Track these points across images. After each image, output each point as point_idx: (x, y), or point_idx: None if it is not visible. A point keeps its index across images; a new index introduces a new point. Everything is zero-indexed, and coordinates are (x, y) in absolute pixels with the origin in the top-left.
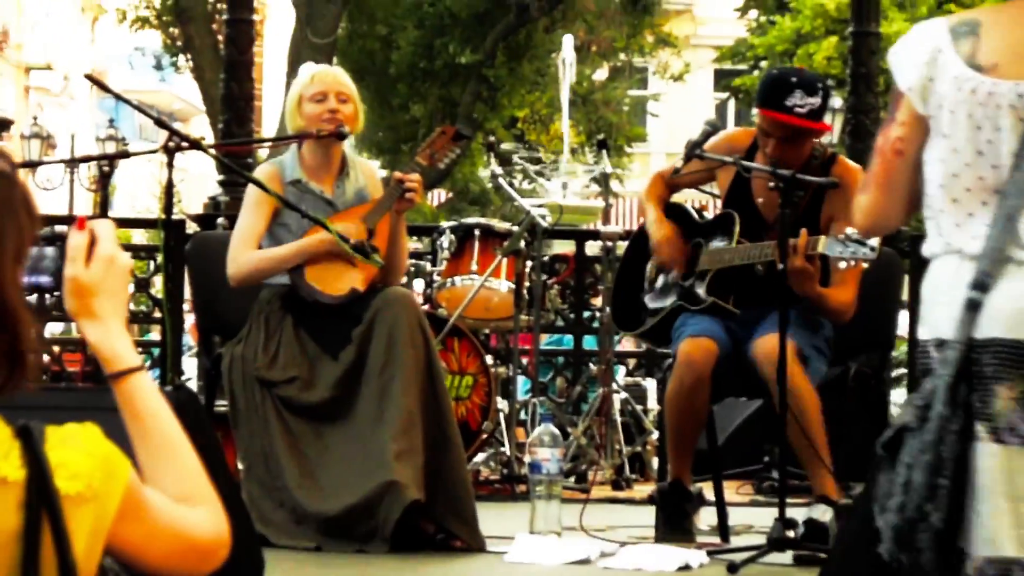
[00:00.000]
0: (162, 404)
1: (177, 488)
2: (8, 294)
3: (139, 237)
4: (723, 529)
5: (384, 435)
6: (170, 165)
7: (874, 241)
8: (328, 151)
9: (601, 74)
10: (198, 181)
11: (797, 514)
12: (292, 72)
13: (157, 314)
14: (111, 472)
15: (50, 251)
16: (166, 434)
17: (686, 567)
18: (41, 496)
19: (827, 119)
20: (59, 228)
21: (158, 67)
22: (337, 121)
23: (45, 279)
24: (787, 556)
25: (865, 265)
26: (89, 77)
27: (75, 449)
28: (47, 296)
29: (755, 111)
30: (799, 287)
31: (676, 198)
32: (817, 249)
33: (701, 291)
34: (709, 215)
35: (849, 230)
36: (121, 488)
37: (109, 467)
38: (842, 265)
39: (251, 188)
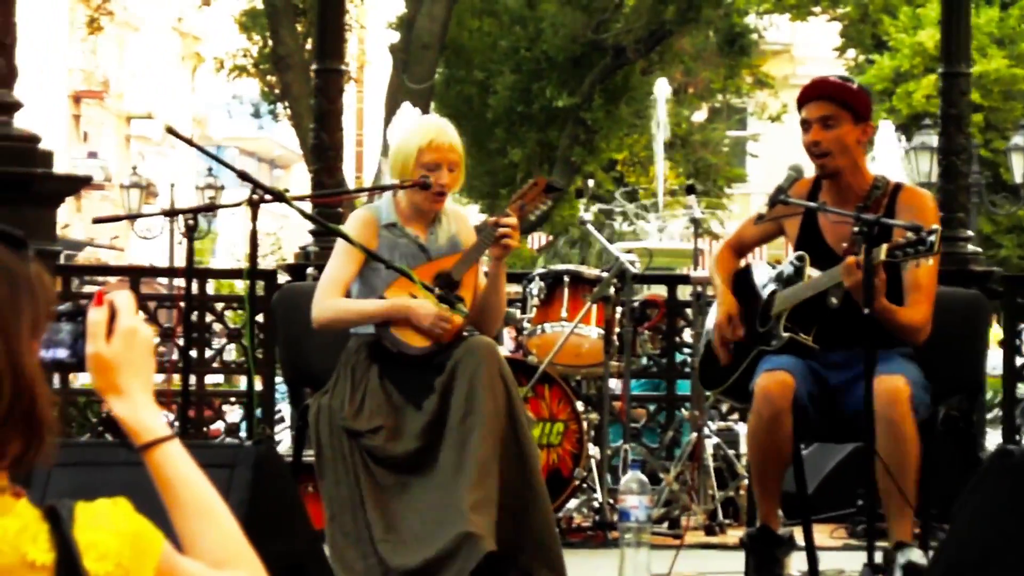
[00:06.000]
0: (194, 471)
1: (216, 553)
2: (25, 366)
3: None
4: (813, 574)
5: (461, 486)
6: (254, 218)
7: (932, 237)
8: (426, 204)
9: (700, 115)
10: (298, 229)
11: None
12: (389, 118)
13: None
14: (142, 549)
15: (67, 326)
16: (200, 500)
17: None
18: None
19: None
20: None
21: (256, 115)
22: (442, 197)
23: (62, 353)
24: None
25: (929, 263)
26: (170, 130)
27: (104, 528)
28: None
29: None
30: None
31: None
32: (880, 259)
33: (777, 331)
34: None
35: (909, 233)
36: (153, 564)
37: (139, 544)
38: (906, 266)
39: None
